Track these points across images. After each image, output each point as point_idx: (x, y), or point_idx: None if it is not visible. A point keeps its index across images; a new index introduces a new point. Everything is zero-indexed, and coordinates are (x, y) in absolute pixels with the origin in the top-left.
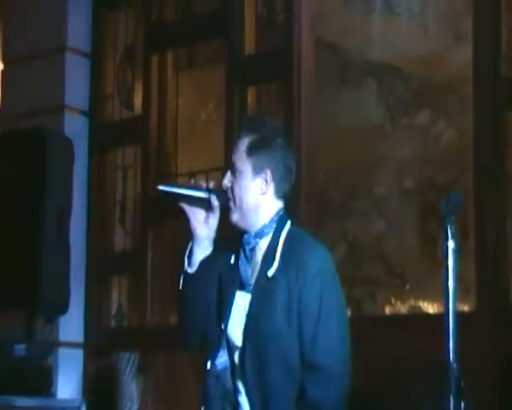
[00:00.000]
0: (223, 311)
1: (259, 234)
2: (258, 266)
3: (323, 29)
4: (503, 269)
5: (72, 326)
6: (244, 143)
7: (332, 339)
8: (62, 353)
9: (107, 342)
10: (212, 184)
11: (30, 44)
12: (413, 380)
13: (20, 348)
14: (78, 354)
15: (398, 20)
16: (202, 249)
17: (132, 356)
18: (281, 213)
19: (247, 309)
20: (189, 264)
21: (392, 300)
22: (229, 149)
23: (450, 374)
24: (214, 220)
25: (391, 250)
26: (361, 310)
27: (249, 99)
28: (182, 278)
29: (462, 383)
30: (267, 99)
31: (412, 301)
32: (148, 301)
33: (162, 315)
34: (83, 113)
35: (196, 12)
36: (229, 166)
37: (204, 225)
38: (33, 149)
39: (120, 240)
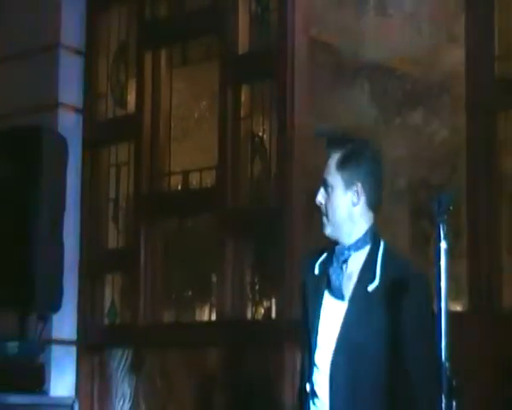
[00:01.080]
0: (312, 323)
1: (354, 247)
2: (355, 277)
3: (317, 29)
4: (495, 269)
5: (65, 324)
6: (334, 160)
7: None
8: (55, 350)
9: (100, 339)
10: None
11: (24, 42)
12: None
13: (14, 346)
14: (72, 351)
15: (391, 20)
16: None
17: (125, 353)
18: (374, 229)
19: (341, 318)
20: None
21: None
22: (223, 147)
23: (442, 374)
24: None
25: None
26: None
27: (242, 97)
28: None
29: (453, 383)
30: (260, 97)
31: None
32: (141, 299)
33: (155, 312)
34: (77, 110)
35: (190, 10)
36: (321, 182)
37: None
38: (27, 146)
39: (113, 238)
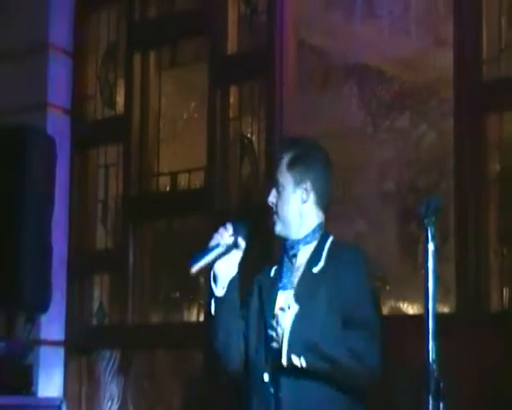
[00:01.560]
0: (266, 317)
1: (303, 241)
2: (302, 267)
3: (306, 31)
4: (483, 271)
5: (53, 324)
6: (285, 161)
7: (371, 311)
8: (43, 351)
9: (88, 340)
10: (230, 229)
11: (12, 42)
12: (392, 380)
13: (1, 347)
14: (59, 352)
15: (379, 22)
16: (224, 282)
17: (113, 354)
18: (323, 226)
19: (290, 304)
20: (216, 288)
21: None
22: (212, 149)
23: (429, 375)
24: (238, 255)
25: (371, 252)
26: None
27: (231, 98)
28: (213, 303)
29: (441, 384)
30: (249, 98)
31: (392, 303)
32: (130, 300)
33: (143, 313)
34: (65, 111)
35: (179, 11)
36: (273, 183)
37: (227, 264)
38: (15, 147)
39: (102, 238)
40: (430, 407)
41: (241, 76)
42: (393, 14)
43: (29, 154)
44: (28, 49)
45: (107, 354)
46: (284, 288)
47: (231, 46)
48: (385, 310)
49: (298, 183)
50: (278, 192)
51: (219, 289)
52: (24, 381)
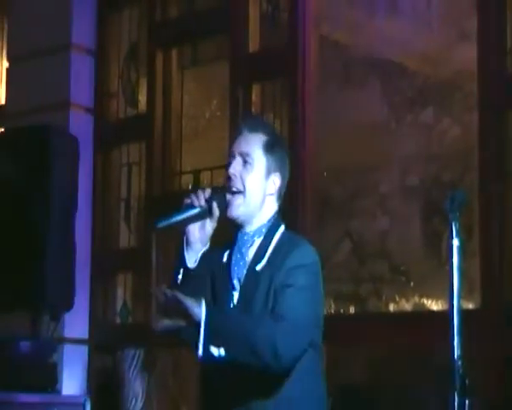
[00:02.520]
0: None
1: (257, 232)
2: (249, 263)
3: (328, 27)
4: (507, 266)
5: (77, 323)
6: (260, 139)
7: (301, 307)
8: (67, 349)
9: (111, 338)
10: (208, 193)
11: (35, 42)
12: (417, 377)
13: (26, 345)
14: (83, 350)
15: (402, 18)
16: (196, 251)
17: (137, 353)
18: (276, 215)
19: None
20: (189, 260)
21: (397, 297)
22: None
23: (454, 372)
24: (212, 225)
25: (395, 248)
26: (365, 307)
27: (253, 97)
28: (181, 272)
29: (466, 381)
30: (271, 97)
31: (416, 299)
32: (153, 298)
33: None
34: (88, 110)
35: (200, 9)
36: (240, 155)
37: (200, 232)
38: (38, 146)
39: (125, 237)
40: (456, 403)
41: (263, 74)
42: (416, 8)
43: (52, 153)
44: (51, 49)
45: (131, 352)
46: (235, 288)
47: (253, 44)
48: (409, 306)
49: (270, 171)
50: (245, 167)
51: (191, 260)
52: (48, 379)
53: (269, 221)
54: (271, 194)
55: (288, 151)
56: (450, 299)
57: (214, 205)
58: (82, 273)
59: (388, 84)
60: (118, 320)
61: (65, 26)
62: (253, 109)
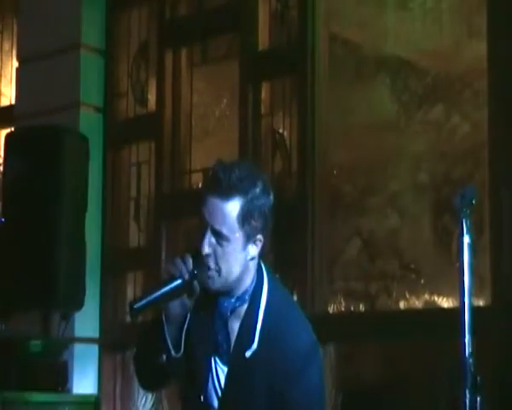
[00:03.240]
0: (199, 378)
1: (241, 299)
2: (234, 336)
3: (337, 25)
4: None
5: (87, 322)
6: (234, 209)
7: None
8: (78, 348)
9: (122, 337)
10: (190, 264)
11: (44, 42)
12: (428, 375)
13: (37, 345)
14: (94, 349)
15: (411, 14)
16: (177, 326)
17: None
18: (258, 268)
19: (222, 383)
20: (172, 343)
21: (407, 295)
22: (244, 145)
23: (465, 369)
24: (192, 301)
25: (405, 245)
26: (376, 305)
27: (263, 95)
28: (163, 358)
29: (478, 379)
30: (281, 95)
31: (427, 296)
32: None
33: None
34: (97, 110)
35: (209, 8)
36: (212, 231)
37: (181, 308)
38: (49, 146)
39: (135, 236)
40: (467, 401)
41: (272, 72)
42: (425, 5)
43: (62, 153)
44: (60, 49)
45: None
46: (221, 359)
47: (263, 42)
48: (419, 304)
49: (250, 239)
50: (219, 244)
51: (173, 342)
52: (59, 378)
53: (251, 283)
54: (253, 257)
55: (267, 187)
56: (461, 296)
57: (195, 283)
58: (92, 272)
59: (398, 82)
60: (128, 319)
61: (74, 25)
62: (262, 108)
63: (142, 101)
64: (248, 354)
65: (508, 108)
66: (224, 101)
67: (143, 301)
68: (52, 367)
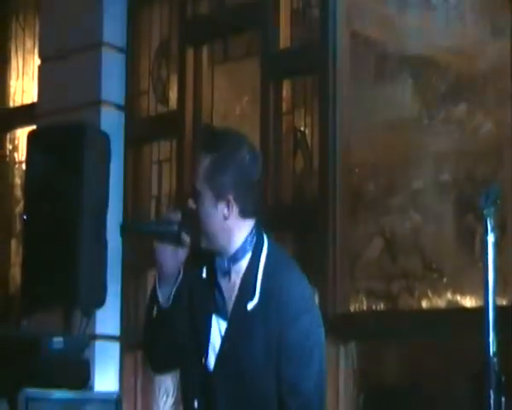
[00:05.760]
0: (200, 343)
1: (233, 259)
2: (236, 291)
3: (359, 23)
4: None
5: (108, 320)
6: (204, 166)
7: (310, 386)
8: (99, 346)
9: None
10: (179, 216)
11: (66, 40)
12: (451, 375)
13: (58, 342)
14: (115, 347)
15: (434, 12)
16: (169, 285)
17: None
18: (254, 232)
19: (222, 338)
20: (162, 297)
21: (429, 294)
22: (265, 143)
23: (490, 369)
24: (183, 254)
25: (428, 244)
26: (398, 304)
27: (284, 93)
28: (155, 312)
29: (502, 379)
30: (302, 93)
31: (449, 295)
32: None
33: None
34: (119, 108)
35: (231, 6)
36: (192, 189)
37: (172, 261)
38: (71, 144)
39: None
40: (492, 401)
41: (293, 70)
42: (448, 3)
43: (84, 151)
44: (82, 47)
45: None
46: (219, 314)
47: (284, 40)
48: (442, 303)
49: (218, 197)
50: (196, 201)
51: (164, 296)
52: (81, 376)
53: (245, 243)
54: (227, 218)
55: (250, 155)
56: (486, 295)
57: (183, 233)
58: (114, 270)
59: (420, 80)
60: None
61: (96, 23)
62: (283, 106)
63: (164, 99)
64: (250, 306)
65: None
66: (245, 99)
67: (136, 227)
68: (74, 365)
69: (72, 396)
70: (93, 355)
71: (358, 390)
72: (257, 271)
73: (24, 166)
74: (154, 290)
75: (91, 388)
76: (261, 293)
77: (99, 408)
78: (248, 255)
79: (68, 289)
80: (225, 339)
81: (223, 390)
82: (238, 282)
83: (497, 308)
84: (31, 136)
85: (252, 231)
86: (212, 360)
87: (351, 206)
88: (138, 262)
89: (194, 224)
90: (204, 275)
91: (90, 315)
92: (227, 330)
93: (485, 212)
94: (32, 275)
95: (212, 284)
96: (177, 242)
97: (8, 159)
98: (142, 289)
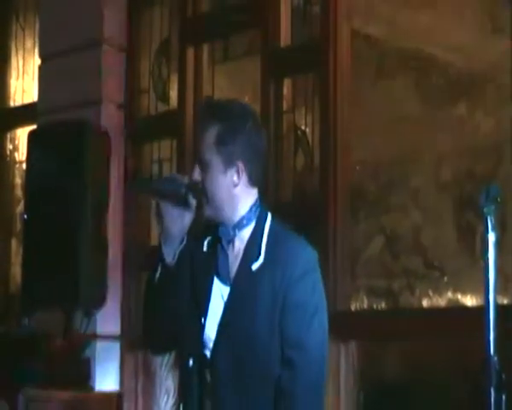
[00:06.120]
0: (200, 302)
1: (238, 226)
2: (240, 257)
3: (360, 20)
4: None
5: (109, 319)
6: (212, 135)
7: (314, 341)
8: (100, 345)
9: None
10: (187, 179)
11: (66, 39)
12: (452, 374)
13: (59, 342)
14: (116, 346)
15: (434, 10)
16: (174, 246)
17: None
18: (258, 203)
19: (225, 301)
20: (167, 255)
21: (430, 292)
22: (266, 141)
23: (490, 368)
24: (189, 217)
25: (428, 243)
26: (398, 303)
27: (285, 91)
28: (159, 271)
29: (503, 377)
30: (303, 91)
31: (450, 294)
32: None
33: None
34: (119, 106)
35: (231, 4)
36: (196, 157)
37: (178, 223)
38: (71, 143)
39: (156, 234)
40: (492, 399)
41: (294, 68)
42: (449, 0)
43: (84, 149)
44: (82, 46)
45: None
46: (222, 281)
47: (284, 38)
48: (442, 302)
49: (228, 164)
50: (203, 170)
51: (168, 254)
52: (82, 375)
53: (250, 211)
54: (236, 185)
55: (256, 125)
56: (486, 294)
57: (190, 194)
58: (114, 270)
59: (421, 78)
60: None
61: (96, 22)
62: (284, 104)
63: (164, 97)
64: (255, 267)
65: None
66: (246, 97)
67: (141, 185)
68: (74, 364)
69: (73, 396)
70: (94, 355)
71: (359, 388)
72: (261, 235)
73: (24, 166)
74: (159, 250)
75: (92, 388)
76: (266, 254)
77: (99, 408)
78: (252, 224)
79: (69, 288)
80: (229, 302)
81: (223, 354)
82: (242, 248)
83: (498, 307)
84: (31, 135)
85: (256, 201)
86: (213, 327)
87: (351, 204)
88: (139, 261)
89: (200, 195)
90: (205, 248)
91: (90, 315)
92: (231, 292)
93: (485, 210)
94: (32, 274)
95: (215, 251)
96: (184, 204)
97: (8, 158)
98: (142, 288)
